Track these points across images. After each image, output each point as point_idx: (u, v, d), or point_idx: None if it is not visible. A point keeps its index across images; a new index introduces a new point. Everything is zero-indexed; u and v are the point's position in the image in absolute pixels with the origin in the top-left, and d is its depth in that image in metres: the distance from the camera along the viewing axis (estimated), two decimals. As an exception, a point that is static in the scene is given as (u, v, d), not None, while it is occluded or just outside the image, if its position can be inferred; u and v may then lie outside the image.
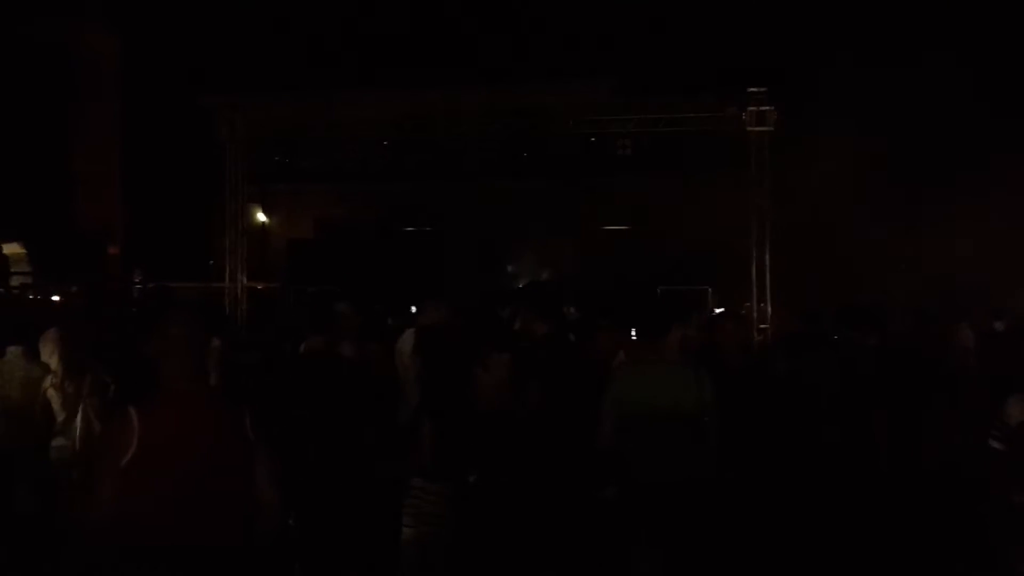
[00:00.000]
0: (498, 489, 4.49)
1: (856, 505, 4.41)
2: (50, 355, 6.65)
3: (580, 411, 4.76)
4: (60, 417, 6.09)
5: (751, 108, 13.69)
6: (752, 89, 13.78)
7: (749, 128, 13.75)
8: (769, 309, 13.56)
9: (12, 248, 17.92)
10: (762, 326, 13.26)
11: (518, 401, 4.80)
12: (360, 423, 4.83)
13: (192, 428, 2.90)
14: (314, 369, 5.15)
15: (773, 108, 13.62)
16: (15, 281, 16.03)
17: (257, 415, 3.07)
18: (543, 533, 4.75)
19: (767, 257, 13.72)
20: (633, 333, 5.77)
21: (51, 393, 6.21)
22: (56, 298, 15.12)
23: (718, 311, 15.72)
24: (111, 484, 2.76)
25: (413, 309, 14.63)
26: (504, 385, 5.07)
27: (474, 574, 4.32)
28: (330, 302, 6.11)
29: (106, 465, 2.80)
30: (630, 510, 4.49)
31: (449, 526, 4.08)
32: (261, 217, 23.37)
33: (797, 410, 4.61)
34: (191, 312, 3.12)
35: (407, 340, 5.68)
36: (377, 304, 11.02)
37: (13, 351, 6.45)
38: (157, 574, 2.75)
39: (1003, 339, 6.64)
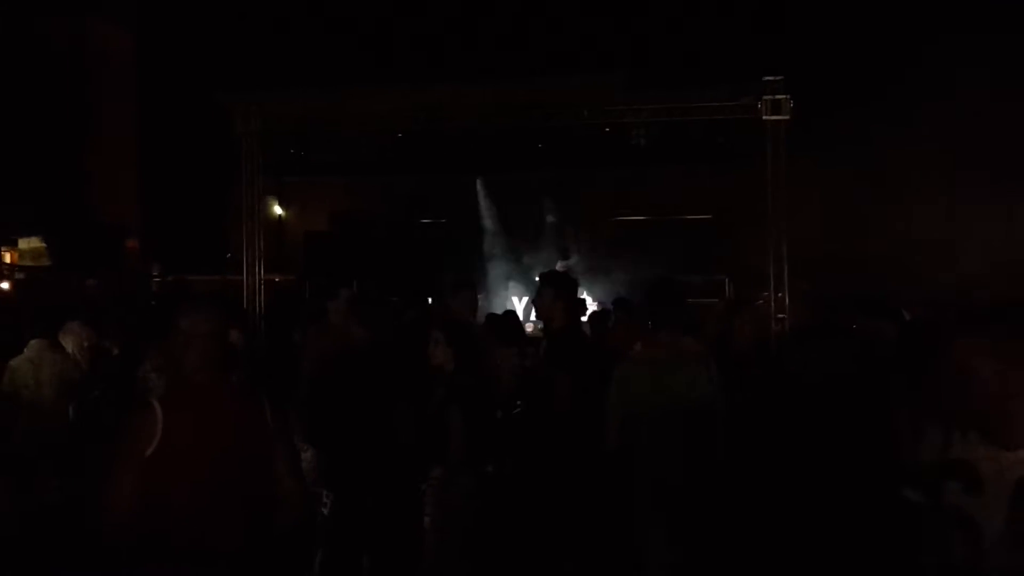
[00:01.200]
0: (516, 480, 4.52)
1: (871, 501, 4.41)
2: (72, 347, 6.73)
3: (597, 404, 4.76)
4: None
5: (766, 97, 13.61)
6: (768, 78, 13.70)
7: (765, 117, 13.67)
8: (787, 299, 13.51)
9: (32, 242, 18.10)
10: (779, 316, 13.21)
11: (540, 394, 4.80)
12: (384, 412, 4.86)
13: (214, 420, 2.92)
14: (332, 360, 5.17)
15: (789, 97, 13.54)
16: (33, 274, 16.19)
17: (280, 405, 3.09)
18: (561, 524, 4.77)
19: (784, 247, 13.65)
20: (649, 324, 5.78)
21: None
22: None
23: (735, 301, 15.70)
24: (134, 477, 2.77)
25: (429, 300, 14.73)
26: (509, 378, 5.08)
27: (493, 564, 4.35)
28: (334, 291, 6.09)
29: (129, 458, 2.81)
30: (642, 504, 4.49)
31: (470, 516, 4.12)
32: (277, 210, 23.48)
33: (808, 402, 4.59)
34: (207, 304, 3.12)
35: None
36: (394, 296, 11.04)
37: (37, 344, 6.51)
38: (179, 569, 2.78)
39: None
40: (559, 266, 17.86)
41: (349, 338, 5.23)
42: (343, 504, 4.79)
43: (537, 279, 5.82)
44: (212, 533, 2.81)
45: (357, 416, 4.86)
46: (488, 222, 21.03)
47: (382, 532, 4.75)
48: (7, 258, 17.97)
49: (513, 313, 6.42)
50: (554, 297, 5.14)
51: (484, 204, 21.10)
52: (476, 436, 4.16)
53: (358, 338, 5.18)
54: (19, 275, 16.76)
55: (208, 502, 2.82)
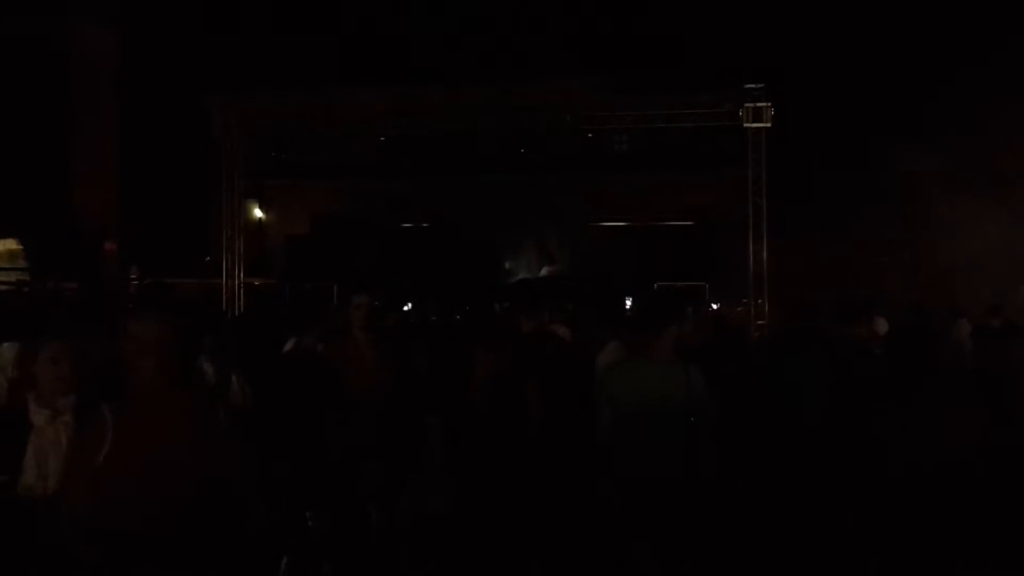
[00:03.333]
0: (495, 486, 4.49)
1: (851, 503, 4.42)
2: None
3: (575, 408, 4.75)
4: None
5: (748, 105, 13.71)
6: (749, 86, 13.80)
7: (746, 124, 13.76)
8: (766, 305, 13.58)
9: (8, 244, 17.92)
10: (759, 322, 13.28)
11: (513, 400, 4.78)
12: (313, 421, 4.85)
13: (165, 426, 2.91)
14: (304, 369, 5.14)
15: (770, 104, 13.64)
16: (11, 276, 16.02)
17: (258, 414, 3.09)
18: (541, 529, 4.76)
19: (764, 253, 13.73)
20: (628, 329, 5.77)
21: None
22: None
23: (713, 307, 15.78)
24: (85, 482, 2.78)
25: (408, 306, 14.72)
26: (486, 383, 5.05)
27: (472, 569, 4.32)
28: (321, 299, 6.10)
29: (81, 463, 2.81)
30: (625, 507, 4.48)
31: (447, 520, 4.09)
32: (258, 213, 23.36)
33: (783, 406, 4.61)
34: (158, 312, 3.12)
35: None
36: (376, 301, 11.00)
37: (8, 347, 6.41)
38: (124, 555, 2.78)
39: (999, 336, 6.66)
40: (542, 271, 17.91)
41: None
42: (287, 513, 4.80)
43: (517, 284, 5.82)
44: (164, 536, 2.81)
45: (288, 424, 4.87)
46: (470, 226, 21.03)
47: (335, 541, 4.74)
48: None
49: (500, 315, 6.33)
50: (525, 304, 5.15)
51: (466, 208, 21.09)
52: (457, 443, 4.13)
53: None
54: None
55: (159, 504, 2.82)
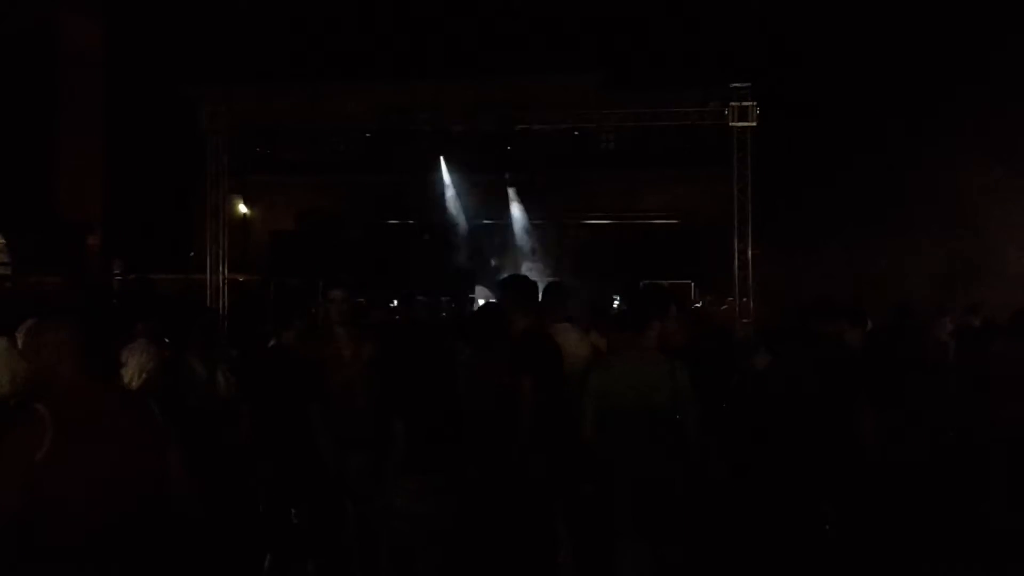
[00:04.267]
0: (479, 484, 4.49)
1: (832, 498, 4.45)
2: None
3: (562, 405, 4.76)
4: None
5: (733, 104, 13.75)
6: (735, 85, 13.84)
7: (731, 123, 13.80)
8: (751, 304, 13.64)
9: (-9, 238, 17.76)
10: (744, 321, 13.33)
11: (508, 396, 4.78)
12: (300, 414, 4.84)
13: (101, 423, 2.92)
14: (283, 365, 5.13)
15: (755, 104, 13.69)
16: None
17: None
18: (525, 528, 4.76)
19: (749, 252, 13.78)
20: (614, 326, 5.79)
21: None
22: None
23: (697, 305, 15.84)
24: (23, 484, 2.73)
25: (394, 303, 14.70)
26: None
27: (454, 570, 4.32)
28: (305, 295, 6.08)
29: (16, 464, 2.75)
30: (610, 504, 4.50)
31: (426, 522, 4.08)
32: (243, 209, 23.27)
33: (764, 406, 4.64)
34: (63, 314, 3.12)
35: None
36: (360, 297, 10.98)
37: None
38: (73, 570, 2.76)
39: (978, 334, 6.73)
40: (524, 268, 17.91)
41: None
42: (277, 509, 4.81)
43: (501, 280, 5.82)
44: (106, 534, 2.80)
45: (270, 420, 4.87)
46: (457, 223, 21.02)
47: (318, 538, 4.75)
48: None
49: (486, 311, 6.16)
50: (514, 301, 5.15)
51: (453, 205, 21.09)
52: (425, 441, 4.12)
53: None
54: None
55: (101, 505, 2.81)
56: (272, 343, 5.67)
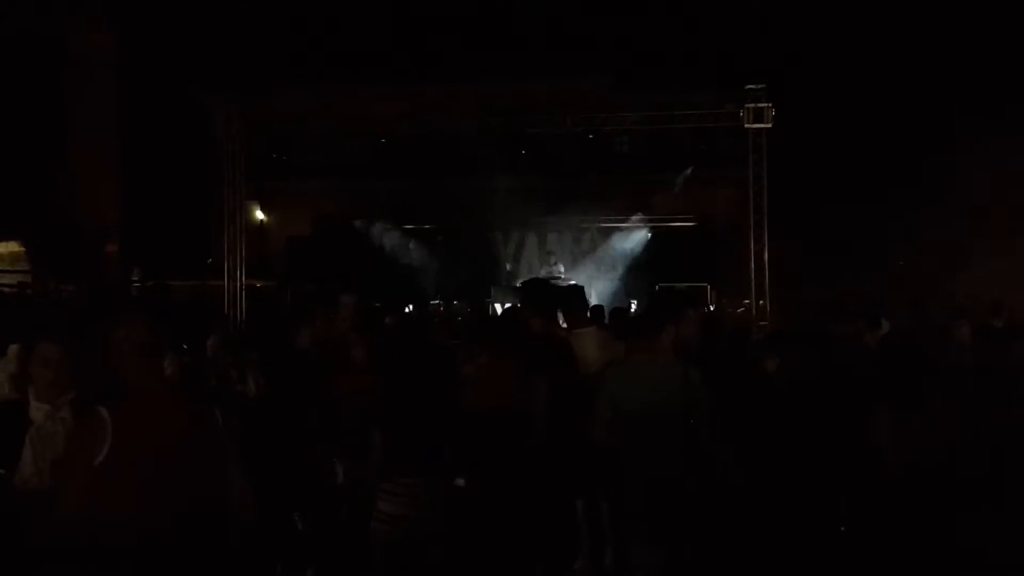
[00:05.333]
0: (485, 488, 4.48)
1: (848, 502, 4.41)
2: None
3: (574, 408, 4.76)
4: None
5: (748, 105, 13.71)
6: (750, 86, 13.80)
7: (747, 125, 13.75)
8: (767, 306, 13.58)
9: (10, 246, 17.92)
10: (761, 323, 13.27)
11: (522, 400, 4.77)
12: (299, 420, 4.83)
13: (163, 428, 2.92)
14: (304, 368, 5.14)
15: (771, 105, 13.64)
16: (13, 279, 16.02)
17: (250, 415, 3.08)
18: (532, 531, 4.75)
19: (765, 254, 13.72)
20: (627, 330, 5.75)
21: None
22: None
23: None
24: (83, 485, 2.76)
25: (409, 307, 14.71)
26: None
27: (454, 571, 4.31)
28: (323, 301, 6.07)
29: (78, 466, 2.79)
30: (626, 507, 4.49)
31: (418, 526, 4.06)
32: (259, 215, 23.37)
33: (774, 408, 4.60)
34: (138, 317, 3.12)
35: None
36: (375, 302, 11.01)
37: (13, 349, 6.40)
38: (121, 571, 2.76)
39: (1000, 336, 6.64)
40: (542, 272, 17.87)
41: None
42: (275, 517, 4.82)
43: (519, 286, 5.82)
44: (161, 537, 2.80)
45: (275, 424, 4.87)
46: (471, 227, 21.01)
47: (320, 544, 4.75)
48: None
49: (502, 315, 6.13)
50: (531, 305, 5.16)
51: (467, 209, 21.08)
52: (407, 447, 4.09)
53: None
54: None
55: (158, 507, 2.81)
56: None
